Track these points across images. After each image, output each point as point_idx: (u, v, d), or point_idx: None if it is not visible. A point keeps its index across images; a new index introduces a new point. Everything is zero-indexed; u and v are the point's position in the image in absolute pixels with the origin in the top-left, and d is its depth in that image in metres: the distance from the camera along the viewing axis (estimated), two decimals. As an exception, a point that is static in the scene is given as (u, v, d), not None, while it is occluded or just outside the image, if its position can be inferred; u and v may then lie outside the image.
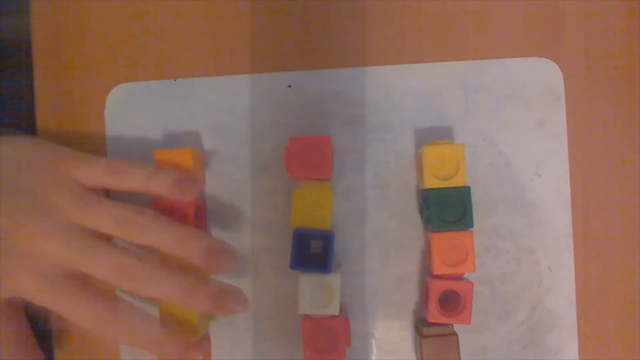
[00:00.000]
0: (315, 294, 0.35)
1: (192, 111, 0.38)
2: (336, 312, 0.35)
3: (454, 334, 0.35)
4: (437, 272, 0.35)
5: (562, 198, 0.37)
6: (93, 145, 0.38)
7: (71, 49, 0.38)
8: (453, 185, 0.34)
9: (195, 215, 0.35)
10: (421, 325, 0.36)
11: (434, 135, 0.37)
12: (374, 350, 0.37)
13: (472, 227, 0.34)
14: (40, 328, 0.37)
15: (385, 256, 0.37)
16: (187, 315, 0.34)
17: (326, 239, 0.35)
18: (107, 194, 0.37)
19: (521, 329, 0.37)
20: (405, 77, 0.38)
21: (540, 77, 0.37)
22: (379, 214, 0.37)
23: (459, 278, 0.35)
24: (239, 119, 0.38)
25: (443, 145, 0.35)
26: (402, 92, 0.38)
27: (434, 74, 0.38)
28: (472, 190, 0.34)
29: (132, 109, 0.38)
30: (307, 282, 0.35)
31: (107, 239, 0.33)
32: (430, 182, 0.34)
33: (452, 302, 0.35)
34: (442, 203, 0.34)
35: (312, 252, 0.37)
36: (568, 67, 0.37)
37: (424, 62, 0.38)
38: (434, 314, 0.35)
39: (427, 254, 0.37)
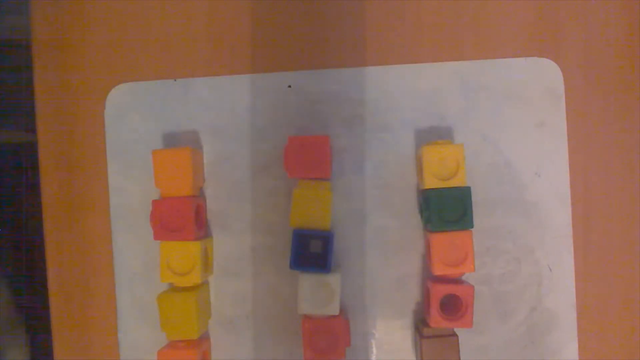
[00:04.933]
0: (315, 294, 0.35)
1: (192, 111, 0.38)
2: (336, 312, 0.35)
3: (454, 334, 0.35)
4: (436, 272, 0.34)
5: (562, 198, 0.37)
6: (93, 145, 0.38)
7: (71, 48, 0.38)
8: (453, 185, 0.34)
9: (195, 215, 0.35)
10: (421, 325, 0.36)
11: (434, 135, 0.37)
12: (374, 350, 0.37)
13: (472, 227, 0.34)
14: (41, 326, 0.37)
15: (385, 256, 0.37)
16: (186, 315, 0.34)
17: (326, 239, 0.35)
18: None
19: (521, 329, 0.37)
20: (405, 77, 0.38)
21: (540, 77, 0.37)
22: (379, 214, 0.37)
23: (459, 280, 0.35)
24: (239, 119, 0.38)
25: (443, 145, 0.35)
26: (402, 92, 0.38)
27: (433, 74, 0.38)
28: (472, 190, 0.35)
29: (132, 109, 0.38)
30: (307, 282, 0.35)
31: None
32: (430, 182, 0.34)
33: (454, 305, 0.35)
34: (442, 203, 0.34)
35: (312, 252, 0.37)
36: (568, 67, 0.37)
37: (424, 62, 0.38)
38: (436, 319, 0.34)
39: (427, 254, 0.37)
